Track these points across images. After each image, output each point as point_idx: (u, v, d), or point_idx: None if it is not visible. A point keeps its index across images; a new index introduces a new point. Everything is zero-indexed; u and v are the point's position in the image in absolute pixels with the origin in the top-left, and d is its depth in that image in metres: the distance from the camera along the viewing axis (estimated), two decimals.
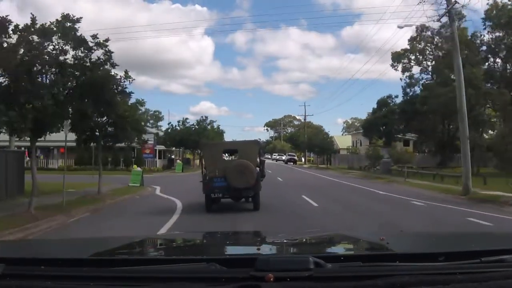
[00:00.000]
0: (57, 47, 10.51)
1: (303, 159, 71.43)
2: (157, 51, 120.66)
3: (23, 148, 40.81)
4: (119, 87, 12.98)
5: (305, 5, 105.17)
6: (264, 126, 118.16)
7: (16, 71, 9.52)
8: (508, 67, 35.04)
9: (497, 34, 33.59)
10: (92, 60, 11.66)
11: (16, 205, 11.24)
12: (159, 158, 41.91)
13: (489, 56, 35.08)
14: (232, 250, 2.05)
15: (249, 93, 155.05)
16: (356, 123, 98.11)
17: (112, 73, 12.52)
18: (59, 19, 10.70)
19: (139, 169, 20.98)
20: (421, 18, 36.33)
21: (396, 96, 41.19)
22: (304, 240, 2.31)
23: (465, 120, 16.94)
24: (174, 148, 47.00)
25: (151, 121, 79.12)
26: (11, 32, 9.85)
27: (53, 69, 10.53)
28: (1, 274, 1.23)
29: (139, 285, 1.22)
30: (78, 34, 10.97)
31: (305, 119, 68.86)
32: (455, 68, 17.03)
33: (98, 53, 11.85)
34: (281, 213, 11.28)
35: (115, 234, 6.99)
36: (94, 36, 11.61)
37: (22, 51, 9.88)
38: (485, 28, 33.66)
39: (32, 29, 10.11)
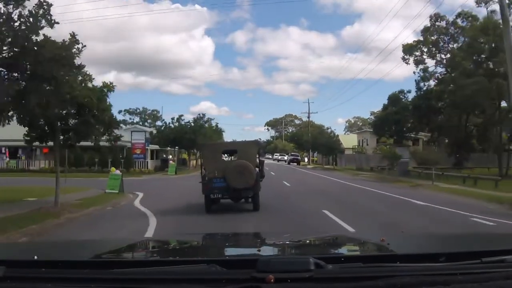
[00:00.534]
0: None
1: (306, 159, 71.37)
2: (157, 51, 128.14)
3: (3, 149, 40.61)
4: (64, 59, 10.24)
5: (305, 5, 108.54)
6: (264, 126, 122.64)
7: None
8: None
9: None
10: (23, 15, 9.49)
11: None
12: (151, 159, 41.51)
13: None
14: (232, 251, 2.18)
15: (250, 93, 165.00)
16: (358, 122, 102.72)
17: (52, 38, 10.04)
18: None
19: (117, 172, 18.83)
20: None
21: (409, 91, 41.11)
22: (305, 241, 2.44)
23: None
24: (169, 148, 46.39)
25: (148, 121, 79.87)
26: None
27: None
28: (1, 276, 1.33)
29: (140, 287, 1.32)
30: None
31: (308, 117, 69.01)
32: (506, 48, 16.08)
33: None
34: None
35: None
36: None
37: None
38: None
39: None
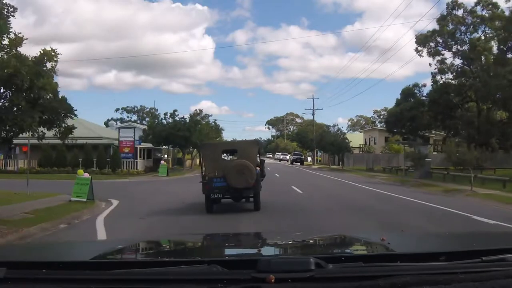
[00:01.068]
0: None
1: (309, 159, 71.36)
2: (157, 50, 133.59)
3: None
4: None
5: (305, 5, 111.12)
6: (265, 124, 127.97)
7: None
8: None
9: None
10: None
11: None
12: (142, 158, 39.91)
13: None
14: (233, 251, 2.34)
15: (250, 92, 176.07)
16: (361, 121, 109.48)
17: None
18: None
19: (86, 175, 16.24)
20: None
21: (424, 85, 41.24)
22: (305, 241, 2.61)
23: None
24: (163, 146, 45.15)
25: (146, 119, 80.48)
26: None
27: None
28: (2, 277, 1.45)
29: (140, 287, 1.45)
30: None
31: (313, 113, 68.89)
32: None
33: None
34: None
35: None
36: None
37: None
38: None
39: None
